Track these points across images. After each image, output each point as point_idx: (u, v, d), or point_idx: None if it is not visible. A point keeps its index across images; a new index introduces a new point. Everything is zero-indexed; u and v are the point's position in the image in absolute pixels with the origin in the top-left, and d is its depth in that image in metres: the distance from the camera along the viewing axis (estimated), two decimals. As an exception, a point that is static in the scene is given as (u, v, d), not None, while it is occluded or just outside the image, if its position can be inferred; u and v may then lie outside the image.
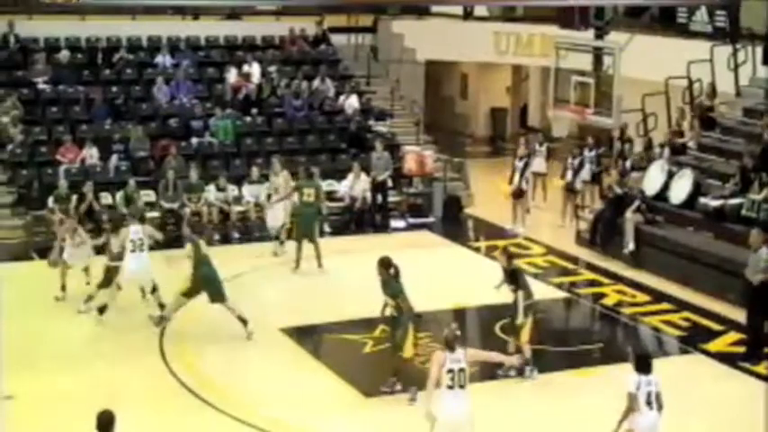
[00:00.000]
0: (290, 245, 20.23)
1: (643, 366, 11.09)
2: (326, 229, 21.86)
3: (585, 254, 21.51)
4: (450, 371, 10.82)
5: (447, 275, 19.43)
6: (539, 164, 24.83)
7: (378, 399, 13.95)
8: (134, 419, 9.61)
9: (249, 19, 29.48)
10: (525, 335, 14.57)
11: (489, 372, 14.34)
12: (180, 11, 28.11)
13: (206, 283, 15.86)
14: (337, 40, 30.01)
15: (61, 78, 25.60)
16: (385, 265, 14.00)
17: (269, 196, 21.52)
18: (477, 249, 22.02)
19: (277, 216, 20.82)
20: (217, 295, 15.85)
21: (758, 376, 15.15)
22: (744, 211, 19.30)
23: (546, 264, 20.83)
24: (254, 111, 25.94)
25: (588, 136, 24.87)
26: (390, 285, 13.91)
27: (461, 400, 10.83)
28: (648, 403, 10.92)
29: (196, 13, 28.83)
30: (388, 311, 14.09)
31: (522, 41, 29.52)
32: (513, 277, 14.65)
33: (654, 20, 26.40)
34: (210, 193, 22.50)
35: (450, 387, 10.80)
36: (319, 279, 19.26)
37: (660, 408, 11.01)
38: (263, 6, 27.88)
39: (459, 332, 11.34)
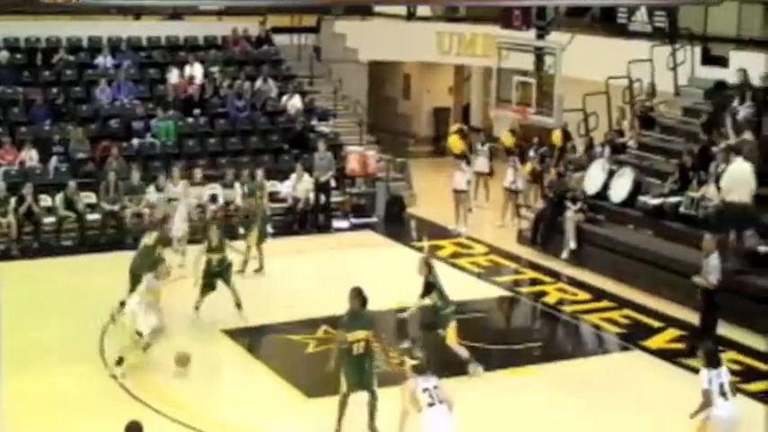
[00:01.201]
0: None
1: (713, 361, 11.42)
2: (269, 230, 21.78)
3: (527, 253, 21.64)
4: (426, 389, 10.91)
5: (390, 275, 19.43)
6: (481, 163, 24.97)
7: (320, 399, 13.95)
8: (73, 425, 9.51)
9: (191, 19, 29.30)
10: (452, 338, 14.69)
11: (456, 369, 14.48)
12: (123, 11, 27.80)
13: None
14: (280, 40, 29.94)
15: (0, 79, 25.32)
16: (360, 296, 12.71)
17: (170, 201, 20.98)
18: (420, 249, 22.04)
19: (178, 226, 20.13)
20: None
21: (696, 372, 15.33)
22: (682, 209, 19.54)
23: (488, 263, 20.95)
24: (197, 111, 25.81)
25: (533, 136, 24.99)
26: (364, 318, 12.69)
27: (445, 415, 10.89)
28: (723, 394, 11.31)
29: (138, 13, 28.60)
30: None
31: (465, 41, 29.68)
32: (429, 288, 14.78)
33: (594, 20, 26.62)
34: (152, 194, 22.33)
35: (431, 404, 10.86)
36: (262, 280, 19.20)
37: (734, 394, 11.47)
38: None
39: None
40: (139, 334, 14.57)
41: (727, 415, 11.27)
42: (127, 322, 14.74)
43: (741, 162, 17.83)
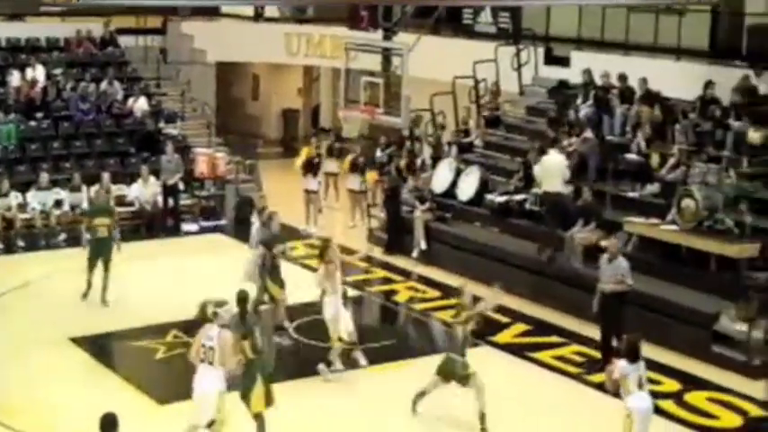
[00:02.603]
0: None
1: (634, 354, 11.59)
2: (117, 235, 21.37)
3: (377, 252, 21.80)
4: (203, 345, 11.54)
5: (240, 277, 19.31)
6: (331, 164, 25.01)
7: (172, 405, 13.81)
8: None
9: (32, 20, 28.61)
10: None
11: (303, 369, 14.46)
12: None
13: None
14: (125, 41, 29.43)
15: None
16: (243, 300, 12.53)
17: None
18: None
19: None
20: None
21: (542, 365, 15.73)
22: (528, 206, 20.00)
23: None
24: (39, 114, 25.21)
25: (382, 136, 25.13)
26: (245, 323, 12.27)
27: (207, 377, 11.48)
28: (640, 386, 11.57)
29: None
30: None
31: (313, 42, 29.70)
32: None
33: (440, 21, 26.94)
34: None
35: (202, 361, 11.54)
36: (110, 286, 18.77)
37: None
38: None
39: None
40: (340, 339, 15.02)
41: (645, 406, 11.61)
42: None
43: (554, 154, 18.75)
